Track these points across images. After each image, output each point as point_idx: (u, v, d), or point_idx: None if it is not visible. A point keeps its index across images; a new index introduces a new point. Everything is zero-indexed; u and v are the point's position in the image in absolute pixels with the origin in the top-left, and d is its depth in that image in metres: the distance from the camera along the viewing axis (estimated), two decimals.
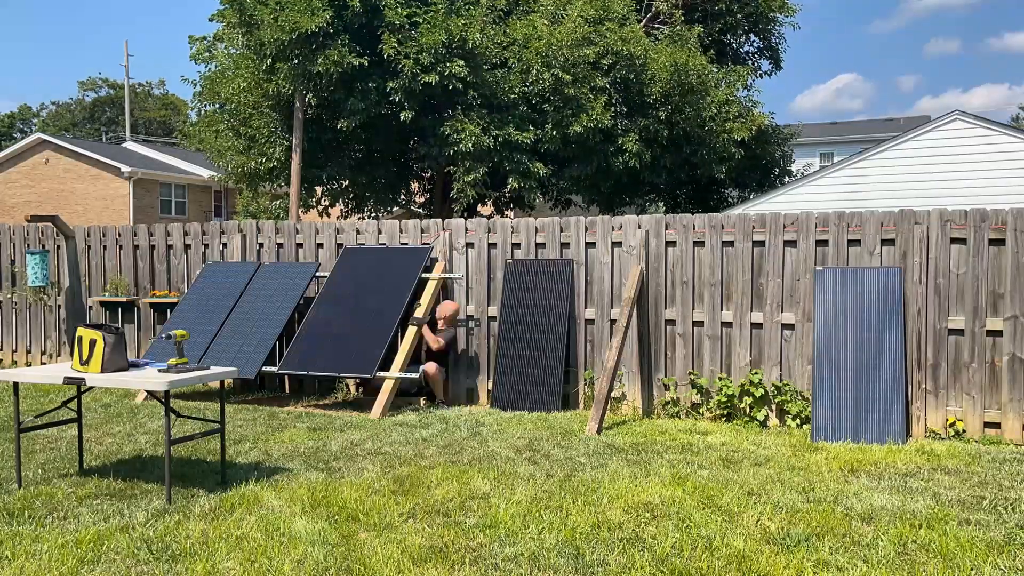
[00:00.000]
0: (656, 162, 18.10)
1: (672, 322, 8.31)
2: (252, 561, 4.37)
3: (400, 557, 4.38)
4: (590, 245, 8.65)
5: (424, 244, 9.22)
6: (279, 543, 4.61)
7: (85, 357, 5.48)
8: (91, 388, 6.34)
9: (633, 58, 16.87)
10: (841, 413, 7.17)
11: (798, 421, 7.64)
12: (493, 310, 8.96)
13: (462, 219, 9.36)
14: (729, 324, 8.09)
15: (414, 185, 20.15)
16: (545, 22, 16.78)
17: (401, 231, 9.45)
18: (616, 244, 8.52)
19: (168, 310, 10.06)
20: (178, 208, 34.05)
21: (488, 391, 8.87)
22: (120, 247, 10.74)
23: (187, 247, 10.39)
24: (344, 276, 9.12)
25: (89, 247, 10.89)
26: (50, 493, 5.50)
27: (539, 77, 16.14)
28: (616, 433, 7.35)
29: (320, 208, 19.82)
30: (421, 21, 15.38)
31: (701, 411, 8.08)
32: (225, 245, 10.19)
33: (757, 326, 7.99)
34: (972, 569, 4.24)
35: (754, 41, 24.05)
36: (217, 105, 18.65)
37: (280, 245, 9.92)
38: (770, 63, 24.30)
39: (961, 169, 14.56)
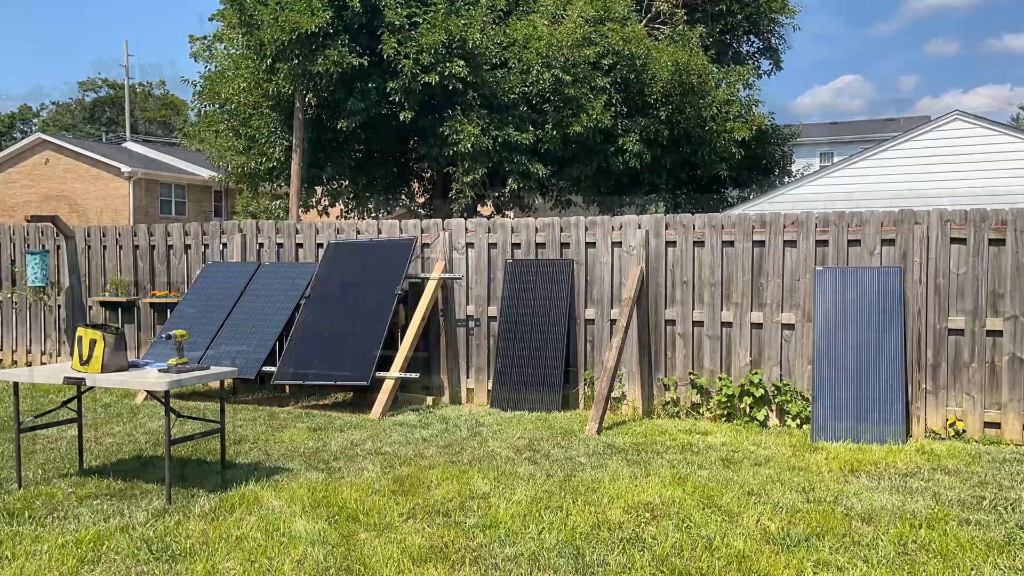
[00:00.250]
0: (656, 162, 18.09)
1: (672, 322, 8.31)
2: (252, 561, 4.37)
3: (400, 557, 4.39)
4: (590, 245, 8.65)
5: (404, 237, 9.21)
6: (279, 543, 4.61)
7: (85, 357, 5.48)
8: (91, 388, 6.33)
9: (634, 58, 16.86)
10: (841, 413, 7.17)
11: (798, 421, 7.64)
12: (493, 310, 8.96)
13: (462, 219, 9.36)
14: (729, 324, 8.09)
15: (414, 185, 20.16)
16: (545, 22, 16.78)
17: (401, 231, 9.45)
18: (616, 244, 8.52)
19: (168, 310, 10.06)
20: (178, 208, 34.03)
21: (488, 391, 8.87)
22: (120, 247, 10.74)
23: (187, 247, 10.39)
24: (332, 272, 9.11)
25: (89, 247, 10.89)
26: (50, 493, 5.50)
27: (539, 77, 16.14)
28: (616, 433, 7.35)
29: (320, 208, 19.82)
30: (421, 21, 15.38)
31: (701, 411, 8.08)
32: (225, 245, 10.19)
33: (757, 326, 7.98)
34: (972, 569, 4.24)
35: (754, 42, 24.07)
36: (217, 105, 18.65)
37: (280, 245, 9.92)
38: (770, 63, 24.32)
39: (961, 169, 14.55)
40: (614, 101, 17.03)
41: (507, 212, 19.47)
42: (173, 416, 5.48)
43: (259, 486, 5.58)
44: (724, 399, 7.90)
